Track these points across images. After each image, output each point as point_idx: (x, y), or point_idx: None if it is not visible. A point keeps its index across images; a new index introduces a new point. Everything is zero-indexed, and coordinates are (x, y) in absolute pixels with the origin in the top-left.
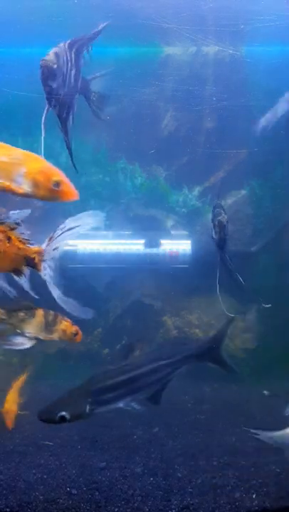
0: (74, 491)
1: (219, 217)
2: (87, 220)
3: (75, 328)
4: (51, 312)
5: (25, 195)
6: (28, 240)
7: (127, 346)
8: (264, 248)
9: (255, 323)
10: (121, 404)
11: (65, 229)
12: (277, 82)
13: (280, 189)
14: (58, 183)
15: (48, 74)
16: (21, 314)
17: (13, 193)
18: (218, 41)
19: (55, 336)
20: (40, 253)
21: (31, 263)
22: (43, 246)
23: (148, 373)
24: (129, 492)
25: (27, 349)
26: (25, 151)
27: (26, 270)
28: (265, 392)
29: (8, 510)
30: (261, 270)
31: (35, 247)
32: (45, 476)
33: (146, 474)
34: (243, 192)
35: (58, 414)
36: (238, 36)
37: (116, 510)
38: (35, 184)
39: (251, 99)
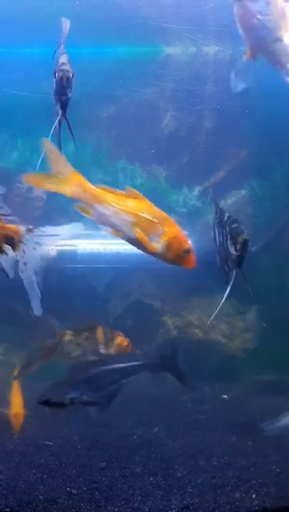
0: (74, 491)
1: (243, 235)
2: (65, 231)
3: (127, 341)
4: (107, 329)
5: (154, 254)
6: (6, 214)
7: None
8: (264, 248)
9: (255, 323)
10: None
11: (46, 232)
12: (277, 82)
13: (280, 189)
14: (187, 251)
15: (68, 84)
16: (85, 334)
17: (144, 248)
18: (218, 41)
19: (112, 351)
20: (17, 233)
21: (10, 242)
22: (22, 229)
23: (117, 371)
24: (129, 492)
25: (27, 349)
26: (164, 213)
27: (6, 248)
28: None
29: (8, 510)
30: (261, 270)
31: (13, 226)
32: (45, 476)
33: (146, 474)
34: (243, 192)
35: (69, 396)
36: (238, 36)
37: (116, 510)
38: (168, 247)
39: (251, 99)
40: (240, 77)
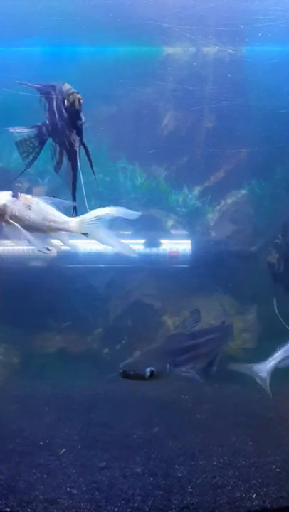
0: (74, 491)
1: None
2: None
3: None
4: None
5: None
6: None
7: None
8: (264, 248)
9: (255, 323)
10: (184, 369)
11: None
12: (277, 81)
13: (280, 189)
14: None
15: (80, 107)
16: None
17: None
18: (218, 41)
19: None
20: None
21: None
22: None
23: (208, 342)
24: (129, 492)
25: (27, 349)
26: None
27: None
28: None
29: (8, 510)
30: (261, 270)
31: None
32: (45, 476)
33: (146, 474)
34: (243, 192)
35: (148, 369)
36: (238, 36)
37: (116, 510)
38: None
39: (251, 99)
40: None
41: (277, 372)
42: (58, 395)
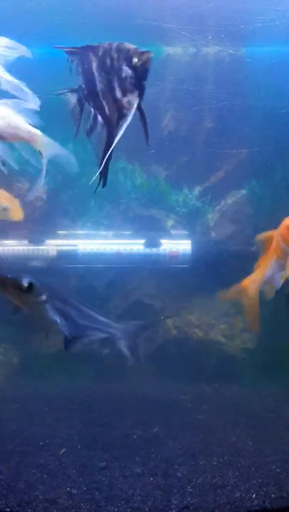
0: (74, 491)
1: None
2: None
3: None
4: None
5: None
6: None
7: None
8: None
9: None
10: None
11: None
12: (277, 81)
13: (280, 189)
14: None
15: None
16: None
17: None
18: (218, 41)
19: None
20: None
21: None
22: None
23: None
24: (129, 492)
25: (27, 349)
26: None
27: None
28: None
29: (8, 510)
30: None
31: None
32: (45, 476)
33: (146, 474)
34: (243, 192)
35: (26, 279)
36: (238, 36)
37: (116, 510)
38: None
39: (251, 99)
40: None
41: (277, 372)
42: (58, 395)
